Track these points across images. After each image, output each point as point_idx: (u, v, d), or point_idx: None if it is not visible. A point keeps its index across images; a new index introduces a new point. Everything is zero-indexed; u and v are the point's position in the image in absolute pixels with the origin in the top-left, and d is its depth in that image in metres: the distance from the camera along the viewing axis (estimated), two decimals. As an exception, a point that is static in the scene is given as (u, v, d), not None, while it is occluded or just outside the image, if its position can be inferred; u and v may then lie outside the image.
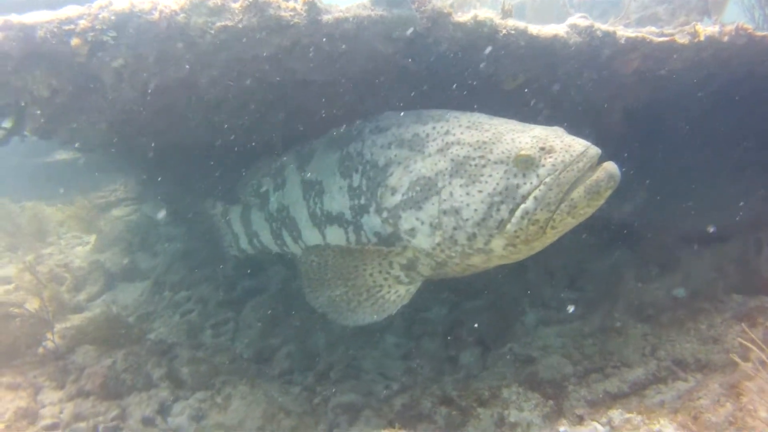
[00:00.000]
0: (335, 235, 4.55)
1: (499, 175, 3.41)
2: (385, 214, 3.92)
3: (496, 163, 3.44)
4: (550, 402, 4.43)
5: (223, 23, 3.70)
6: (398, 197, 3.80)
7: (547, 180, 3.28)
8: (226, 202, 6.19)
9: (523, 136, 3.46)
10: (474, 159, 3.52)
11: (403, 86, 4.31)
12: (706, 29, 4.51)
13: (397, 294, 4.09)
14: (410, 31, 3.79)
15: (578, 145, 3.34)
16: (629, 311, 5.38)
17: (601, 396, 4.60)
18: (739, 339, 4.82)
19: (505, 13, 3.94)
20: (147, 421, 4.71)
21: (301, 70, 4.08)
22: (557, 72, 4.12)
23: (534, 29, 3.99)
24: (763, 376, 4.50)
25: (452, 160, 3.60)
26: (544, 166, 3.31)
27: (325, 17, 3.74)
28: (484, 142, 3.54)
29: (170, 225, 7.50)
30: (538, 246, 3.57)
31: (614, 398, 4.59)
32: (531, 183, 3.32)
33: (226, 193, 6.25)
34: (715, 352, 4.83)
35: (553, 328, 5.41)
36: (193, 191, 6.78)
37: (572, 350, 5.07)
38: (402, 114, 4.11)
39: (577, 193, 3.25)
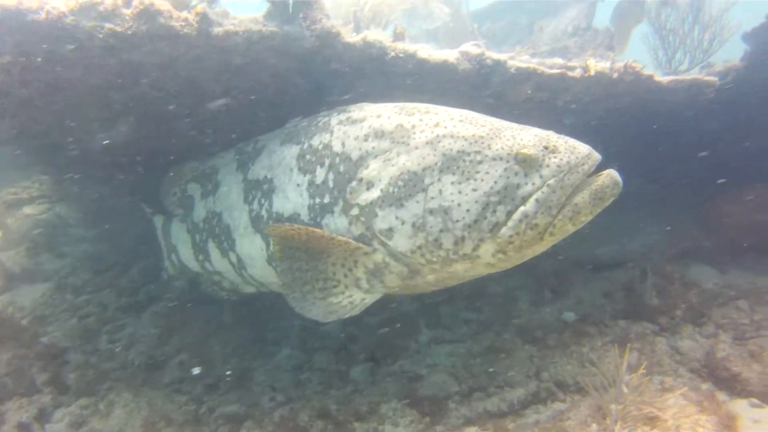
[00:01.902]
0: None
1: (497, 172, 3.10)
2: (355, 211, 3.49)
3: (494, 159, 3.13)
4: (426, 419, 4.53)
5: (112, 28, 3.71)
6: (375, 193, 3.39)
7: (551, 182, 3.01)
8: (153, 210, 5.80)
9: (524, 134, 3.18)
10: (469, 154, 3.18)
11: (299, 102, 4.38)
12: (597, 65, 4.73)
13: (351, 300, 3.67)
14: (300, 48, 3.87)
15: (582, 147, 3.13)
16: (520, 333, 5.55)
17: (480, 414, 4.73)
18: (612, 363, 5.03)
19: (397, 36, 4.07)
20: (23, 427, 4.62)
21: (195, 80, 4.11)
22: (447, 97, 4.26)
23: (424, 53, 4.13)
24: (630, 398, 4.71)
25: (444, 154, 3.23)
26: (548, 166, 3.05)
27: (216, 30, 3.79)
28: (481, 137, 3.21)
29: (82, 227, 7.36)
30: (529, 254, 3.26)
31: (493, 417, 4.73)
32: (533, 184, 3.04)
33: (151, 199, 5.87)
34: (593, 375, 5.02)
35: (445, 347, 5.53)
36: (117, 194, 6.69)
37: (460, 369, 5.19)
38: (380, 104, 3.75)
39: (582, 198, 3.01)
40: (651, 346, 5.36)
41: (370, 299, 3.71)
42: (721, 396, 5.01)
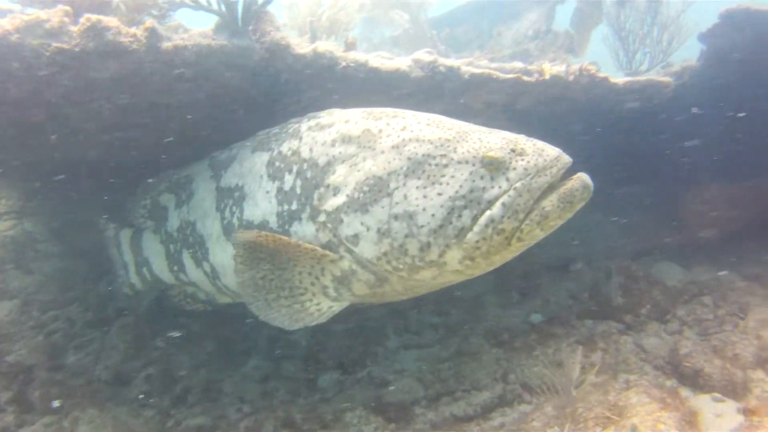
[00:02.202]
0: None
1: (463, 176, 3.02)
2: (322, 218, 3.42)
3: (460, 163, 3.06)
4: (392, 425, 4.54)
5: (59, 46, 3.69)
6: (341, 198, 3.33)
7: (518, 185, 2.93)
8: (117, 224, 5.65)
9: (491, 136, 3.12)
10: (435, 158, 3.11)
11: (254, 111, 4.39)
12: (552, 69, 4.78)
13: (318, 308, 3.60)
14: (250, 60, 3.87)
15: (551, 149, 3.04)
16: (487, 336, 5.58)
17: (446, 419, 4.76)
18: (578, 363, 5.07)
19: (348, 46, 4.09)
20: (-15, 448, 4.58)
21: (148, 93, 4.10)
22: (402, 104, 4.28)
23: (376, 62, 4.14)
24: (594, 398, 4.76)
25: (409, 158, 3.17)
26: (515, 169, 2.96)
27: (165, 44, 3.78)
28: (448, 140, 3.15)
29: (50, 242, 7.30)
30: (498, 261, 3.16)
31: (459, 421, 4.75)
32: (499, 187, 2.96)
33: (117, 212, 5.70)
34: (559, 376, 5.05)
35: (414, 352, 5.55)
36: (85, 208, 6.64)
37: (427, 374, 5.22)
38: (349, 110, 3.69)
39: (550, 201, 2.92)
40: (616, 344, 5.41)
41: (337, 307, 3.64)
42: (685, 392, 5.07)
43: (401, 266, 3.23)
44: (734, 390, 5.01)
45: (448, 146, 3.14)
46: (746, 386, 5.06)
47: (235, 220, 4.08)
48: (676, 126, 5.65)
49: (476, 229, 2.97)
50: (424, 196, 3.07)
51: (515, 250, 3.08)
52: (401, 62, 4.22)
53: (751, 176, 6.21)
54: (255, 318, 3.68)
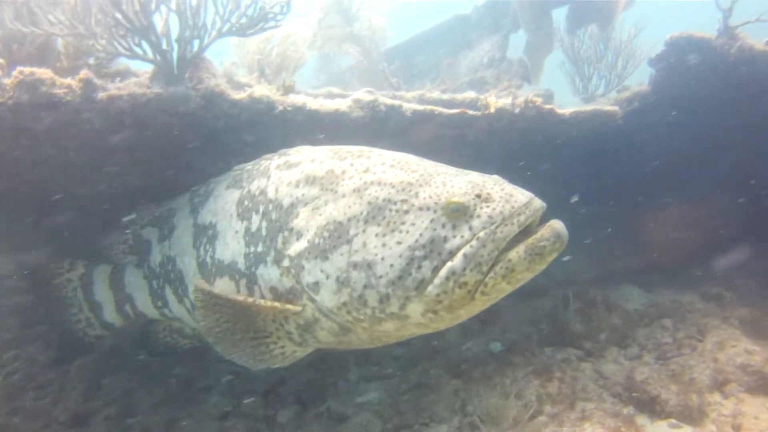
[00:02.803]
0: (225, 290, 3.77)
1: (423, 224, 2.84)
2: (286, 263, 3.28)
3: (421, 209, 2.87)
4: (343, 464, 4.54)
5: (-8, 99, 3.71)
6: (303, 243, 3.18)
7: (481, 234, 2.73)
8: (88, 262, 5.46)
9: (456, 180, 2.92)
10: (395, 203, 2.94)
11: (195, 155, 4.41)
12: (498, 102, 4.81)
13: (282, 352, 3.51)
14: (187, 107, 3.90)
15: (520, 195, 2.83)
16: (447, 367, 5.58)
17: (403, 454, 4.76)
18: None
19: (286, 89, 4.11)
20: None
21: (89, 140, 4.13)
22: (347, 143, 4.31)
23: (314, 104, 4.17)
24: (549, 430, 4.76)
25: (369, 203, 3.00)
26: (479, 217, 2.77)
27: (101, 95, 3.81)
28: (410, 184, 2.98)
29: (15, 278, 7.28)
30: (464, 315, 2.96)
31: (416, 455, 4.75)
32: (462, 237, 2.76)
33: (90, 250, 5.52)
34: (515, 407, 5.07)
35: (375, 384, 5.55)
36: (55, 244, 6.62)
37: (386, 408, 5.20)
38: (318, 148, 3.59)
39: (516, 253, 2.70)
40: (575, 372, 5.42)
41: (301, 352, 3.56)
42: (642, 419, 5.08)
43: (362, 317, 3.04)
44: (690, 415, 5.02)
45: (410, 191, 2.96)
46: (703, 410, 5.07)
47: (208, 259, 3.96)
48: (630, 150, 5.70)
49: (437, 281, 2.77)
50: (383, 245, 2.89)
51: (481, 304, 2.87)
52: (340, 103, 4.24)
53: (708, 197, 6.25)
54: (218, 355, 3.66)
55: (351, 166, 3.23)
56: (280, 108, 4.03)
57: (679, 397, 5.09)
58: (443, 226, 2.81)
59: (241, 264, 3.64)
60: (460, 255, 2.74)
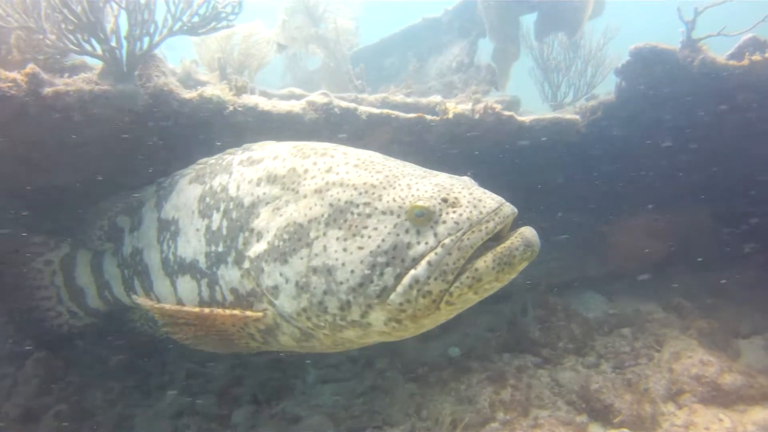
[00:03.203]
0: (186, 289, 3.76)
1: (386, 229, 2.72)
2: (246, 265, 3.18)
3: (384, 213, 2.75)
4: (292, 466, 4.52)
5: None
6: (263, 245, 3.06)
7: (446, 241, 2.61)
8: (73, 245, 5.31)
9: (422, 183, 2.80)
10: (358, 206, 2.81)
11: (150, 152, 4.38)
12: (457, 108, 4.80)
13: (247, 345, 3.45)
14: (136, 105, 3.87)
15: (490, 200, 2.71)
16: (403, 370, 5.57)
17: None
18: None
19: (238, 90, 4.08)
20: None
21: (40, 135, 4.09)
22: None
23: (267, 105, 4.15)
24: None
25: (331, 205, 2.88)
26: (444, 222, 2.65)
27: (47, 90, 3.78)
28: (373, 186, 2.84)
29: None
30: (429, 324, 2.87)
31: (366, 459, 4.74)
32: (426, 243, 2.64)
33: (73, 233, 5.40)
34: (469, 412, 5.06)
35: (331, 386, 5.53)
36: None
37: (340, 410, 5.19)
38: (282, 144, 3.45)
39: (484, 262, 2.57)
40: (531, 379, 5.42)
41: (266, 348, 3.49)
42: (596, 428, 5.10)
43: (322, 324, 2.94)
44: (643, 425, 5.04)
45: (373, 193, 2.83)
46: (656, 420, 5.09)
47: (170, 255, 3.87)
48: (594, 159, 5.70)
49: (400, 289, 2.66)
50: (344, 249, 2.78)
51: (447, 313, 2.76)
52: (294, 105, 4.22)
53: (674, 208, 6.26)
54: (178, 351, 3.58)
55: (314, 165, 3.10)
56: (231, 108, 4.01)
57: (632, 406, 5.10)
58: (407, 231, 2.70)
59: (203, 263, 3.55)
60: (424, 263, 2.63)
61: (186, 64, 4.98)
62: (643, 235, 6.19)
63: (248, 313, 3.19)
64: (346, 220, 2.82)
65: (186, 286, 3.73)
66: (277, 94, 5.15)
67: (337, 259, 2.78)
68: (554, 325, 5.81)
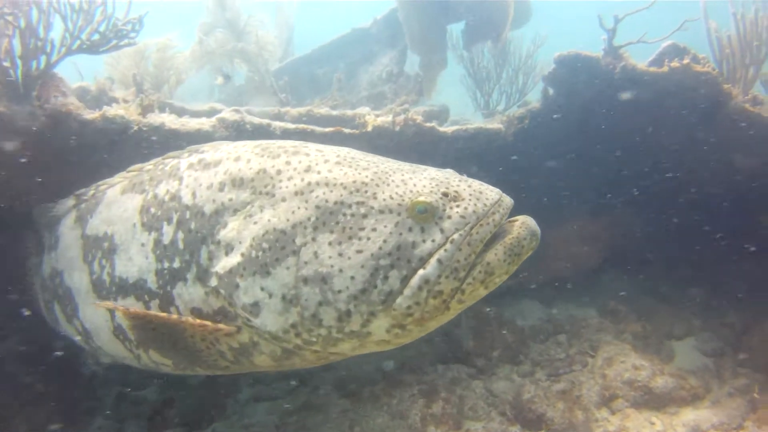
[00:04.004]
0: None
1: (387, 229, 2.55)
2: (213, 282, 2.87)
3: (382, 212, 2.59)
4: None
5: None
6: (235, 258, 2.77)
7: (455, 237, 2.50)
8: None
9: (417, 178, 2.68)
10: (350, 206, 2.63)
11: (54, 172, 4.23)
12: (376, 120, 4.77)
13: (216, 363, 3.16)
14: (34, 126, 3.75)
15: (490, 191, 2.65)
16: (337, 386, 5.51)
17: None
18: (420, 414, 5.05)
19: (145, 108, 3.99)
20: None
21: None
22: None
23: (175, 124, 4.06)
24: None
25: (317, 207, 2.66)
26: (449, 218, 2.54)
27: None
28: (365, 184, 2.67)
29: None
30: (433, 326, 2.71)
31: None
32: (433, 240, 2.51)
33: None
34: (400, 428, 5.02)
35: (264, 404, 5.45)
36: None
37: (272, 429, 5.11)
38: (239, 144, 3.15)
39: (494, 254, 2.51)
40: (464, 390, 5.39)
41: (237, 369, 3.23)
42: (528, 438, 5.08)
43: (314, 339, 2.69)
44: (575, 433, 5.03)
45: (365, 191, 2.65)
46: (588, 427, 5.09)
47: (105, 276, 3.44)
48: (522, 166, 5.70)
49: (407, 292, 2.50)
50: (340, 254, 2.57)
51: (453, 312, 2.63)
52: (204, 122, 4.14)
53: (605, 213, 6.31)
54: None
55: (287, 165, 2.84)
56: (135, 128, 3.92)
57: (564, 414, 5.11)
58: (410, 229, 2.55)
59: (152, 282, 3.16)
60: (433, 261, 2.49)
61: (101, 82, 4.86)
62: (577, 241, 6.22)
63: (220, 326, 2.89)
64: (338, 223, 2.62)
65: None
66: (196, 110, 5.06)
67: (332, 266, 2.57)
68: (488, 334, 5.80)
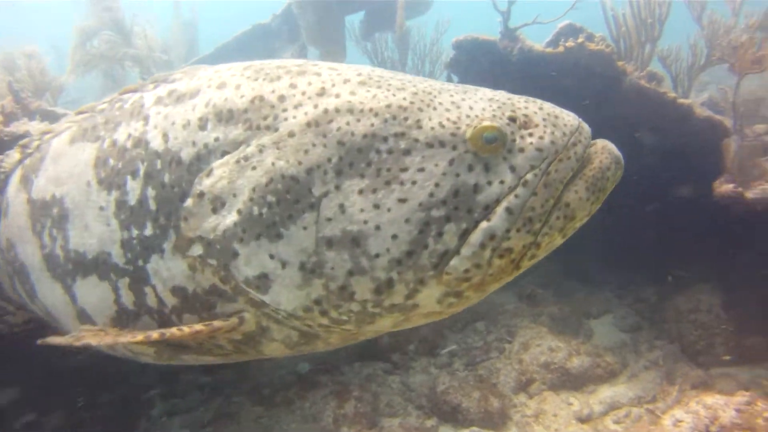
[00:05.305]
0: (94, 297, 2.61)
1: (439, 168, 1.92)
2: (197, 250, 2.18)
3: (430, 145, 1.94)
4: None
5: None
6: (230, 217, 2.08)
7: (529, 177, 1.94)
8: None
9: (472, 99, 2.04)
10: (386, 140, 1.96)
11: None
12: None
13: (213, 360, 2.65)
14: None
15: (567, 116, 2.08)
16: (250, 393, 5.37)
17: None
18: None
19: (7, 117, 3.77)
20: None
21: None
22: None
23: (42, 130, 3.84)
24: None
25: (340, 142, 1.98)
26: (522, 150, 1.95)
27: None
28: (402, 108, 2.00)
29: None
30: (495, 288, 2.16)
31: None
32: (502, 182, 1.92)
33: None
34: (312, 431, 4.91)
35: (178, 418, 5.28)
36: None
37: (184, 443, 4.96)
38: (225, 66, 2.41)
39: (575, 193, 1.97)
40: (380, 387, 5.31)
41: (237, 359, 2.64)
42: (446, 430, 5.02)
43: (345, 317, 2.09)
44: (492, 420, 5.01)
45: (406, 119, 1.98)
46: (505, 413, 5.06)
47: (58, 251, 2.69)
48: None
49: (465, 251, 1.92)
50: (375, 206, 1.93)
51: (517, 272, 2.10)
52: (72, 132, 3.92)
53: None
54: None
55: (293, 89, 2.12)
56: (-10, 140, 3.68)
57: (480, 403, 5.05)
58: (470, 168, 1.93)
59: (117, 256, 2.44)
60: (500, 210, 1.91)
61: (-30, 93, 4.60)
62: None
63: (217, 324, 2.23)
64: (370, 163, 1.96)
65: (92, 292, 2.59)
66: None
67: (365, 222, 1.94)
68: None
